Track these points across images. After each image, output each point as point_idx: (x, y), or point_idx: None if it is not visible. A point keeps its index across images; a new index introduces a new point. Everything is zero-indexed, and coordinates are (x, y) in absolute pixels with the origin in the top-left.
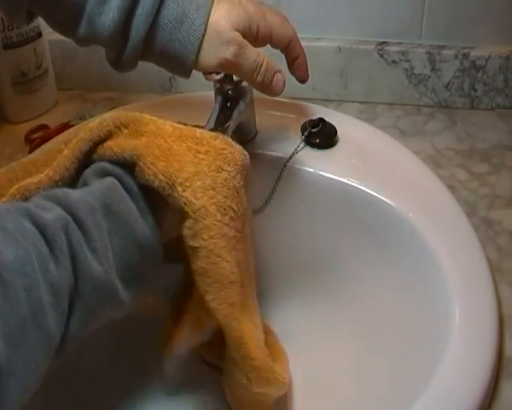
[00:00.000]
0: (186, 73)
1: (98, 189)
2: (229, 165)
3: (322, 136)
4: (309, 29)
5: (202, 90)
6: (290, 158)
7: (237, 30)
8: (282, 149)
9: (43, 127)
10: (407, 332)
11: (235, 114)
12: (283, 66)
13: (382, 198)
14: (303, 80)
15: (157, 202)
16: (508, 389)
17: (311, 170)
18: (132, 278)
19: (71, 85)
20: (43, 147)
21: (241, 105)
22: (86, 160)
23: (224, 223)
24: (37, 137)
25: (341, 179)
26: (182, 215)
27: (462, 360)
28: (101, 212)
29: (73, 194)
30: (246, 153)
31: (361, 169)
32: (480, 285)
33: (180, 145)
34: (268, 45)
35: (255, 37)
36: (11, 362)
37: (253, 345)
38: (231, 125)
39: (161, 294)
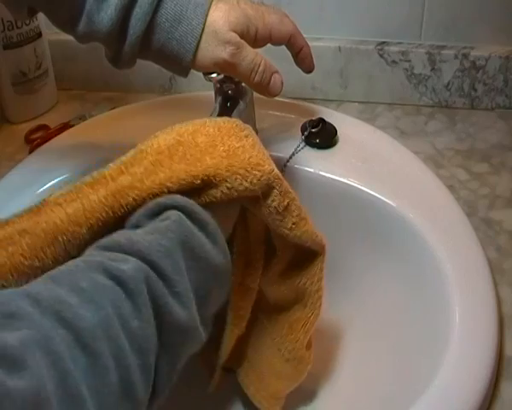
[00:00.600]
0: (184, 72)
1: (166, 226)
2: (246, 130)
3: (322, 136)
4: (309, 29)
5: (202, 90)
6: (290, 158)
7: (235, 31)
8: (282, 149)
9: (43, 127)
10: (407, 332)
11: (235, 114)
12: (282, 65)
13: (382, 198)
14: (309, 71)
15: (216, 217)
16: (508, 389)
17: (311, 170)
18: (209, 311)
19: (71, 85)
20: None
21: (241, 105)
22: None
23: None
24: (37, 137)
25: (341, 179)
26: (264, 195)
27: (462, 360)
28: (177, 252)
29: (139, 237)
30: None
31: (361, 169)
32: (480, 285)
33: (222, 140)
34: (268, 45)
35: (254, 38)
36: None
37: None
38: None
39: None
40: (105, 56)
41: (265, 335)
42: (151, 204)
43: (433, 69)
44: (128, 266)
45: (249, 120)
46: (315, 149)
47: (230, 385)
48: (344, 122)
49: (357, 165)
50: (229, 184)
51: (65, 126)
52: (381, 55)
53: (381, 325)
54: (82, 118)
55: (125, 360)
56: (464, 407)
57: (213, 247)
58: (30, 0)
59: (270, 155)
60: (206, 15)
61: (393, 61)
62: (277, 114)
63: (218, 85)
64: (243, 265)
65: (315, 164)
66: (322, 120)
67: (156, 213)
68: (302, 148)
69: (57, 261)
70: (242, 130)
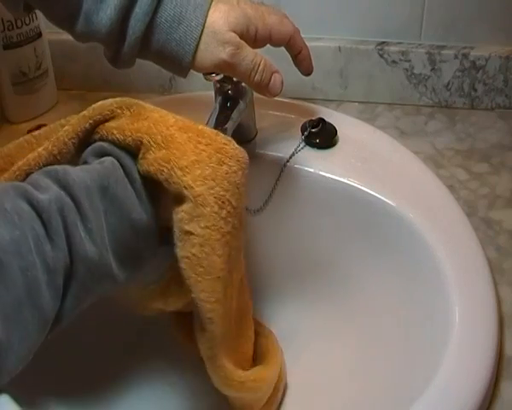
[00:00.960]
0: (183, 73)
1: (96, 169)
2: (230, 159)
3: (322, 136)
4: (309, 29)
5: (202, 90)
6: (290, 158)
7: (234, 31)
8: (282, 149)
9: (43, 127)
10: (407, 332)
11: (235, 114)
12: (282, 66)
13: (382, 198)
14: (307, 73)
15: (155, 189)
16: (508, 390)
17: (311, 170)
18: (128, 258)
19: (71, 85)
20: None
21: (241, 105)
22: (87, 138)
23: (221, 216)
24: None
25: (341, 179)
26: (178, 202)
27: (462, 360)
28: (98, 193)
29: (72, 172)
30: (246, 153)
31: (361, 169)
32: (480, 285)
33: (181, 135)
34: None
35: (254, 39)
36: (9, 339)
37: (225, 347)
38: (231, 125)
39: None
40: (104, 56)
41: None
42: (97, 146)
43: (433, 69)
44: (46, 195)
45: (249, 119)
46: (315, 149)
47: None
48: (344, 122)
49: (357, 165)
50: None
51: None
52: (381, 55)
53: (380, 325)
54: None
55: (34, 274)
56: (464, 407)
57: (139, 202)
58: None
59: (271, 155)
60: (206, 16)
61: (393, 61)
62: (277, 114)
63: (218, 85)
64: None
65: (315, 164)
66: (322, 120)
67: (100, 154)
68: (302, 148)
69: None
70: (228, 153)
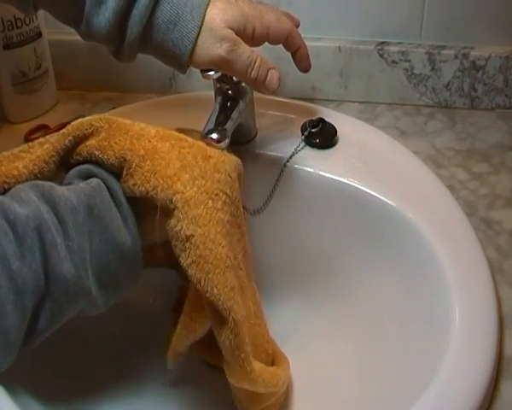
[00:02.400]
0: (182, 69)
1: (83, 189)
2: (215, 151)
3: (322, 136)
4: (309, 29)
5: (202, 90)
6: (290, 158)
7: (231, 28)
8: (282, 149)
9: (43, 127)
10: (407, 332)
11: (235, 114)
12: (282, 66)
13: (382, 198)
14: (306, 70)
15: (142, 208)
16: (508, 389)
17: (311, 170)
18: (109, 282)
19: (71, 85)
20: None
21: (241, 105)
22: (68, 156)
23: (216, 208)
24: (37, 137)
25: (341, 179)
26: (168, 214)
27: (462, 360)
28: (83, 213)
29: (59, 189)
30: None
31: (361, 169)
32: (480, 285)
33: (164, 144)
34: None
35: (251, 37)
36: None
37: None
38: (231, 125)
39: (162, 295)
40: (102, 51)
41: None
42: (83, 168)
43: (433, 69)
44: (25, 210)
45: (249, 119)
46: (315, 149)
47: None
48: (344, 122)
49: (357, 165)
50: (136, 178)
51: (65, 126)
52: (381, 55)
53: (380, 325)
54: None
55: None
56: (464, 407)
57: (123, 226)
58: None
59: (271, 155)
60: (203, 17)
61: (393, 61)
62: (277, 114)
63: (218, 85)
64: None
65: (315, 164)
66: (322, 120)
67: (86, 176)
68: (302, 148)
69: None
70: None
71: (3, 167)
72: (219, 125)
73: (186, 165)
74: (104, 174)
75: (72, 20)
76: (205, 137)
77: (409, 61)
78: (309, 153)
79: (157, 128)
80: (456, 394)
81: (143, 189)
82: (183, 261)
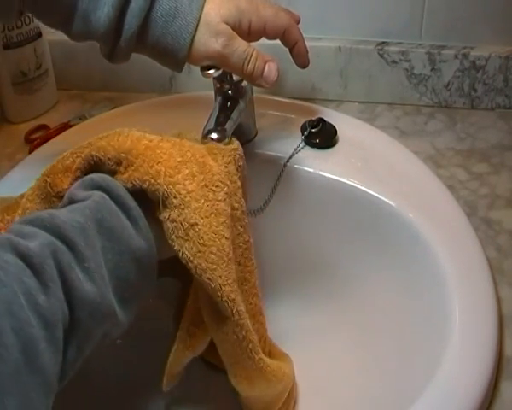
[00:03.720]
0: (179, 67)
1: (87, 205)
2: (216, 148)
3: (322, 136)
4: (309, 29)
5: (202, 90)
6: (290, 158)
7: (227, 23)
8: (282, 149)
9: (43, 127)
10: (407, 332)
11: (235, 114)
12: (282, 65)
13: (382, 198)
14: (303, 66)
15: (151, 210)
16: (508, 389)
17: (311, 170)
18: (129, 294)
19: (71, 85)
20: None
21: (241, 105)
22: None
23: (218, 200)
24: (37, 137)
25: (341, 179)
26: (171, 206)
27: (462, 360)
28: (92, 229)
29: (60, 214)
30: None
31: (361, 169)
32: (480, 285)
33: (165, 144)
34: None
35: (247, 31)
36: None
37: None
38: (231, 124)
39: (164, 308)
40: (100, 52)
41: None
42: (86, 179)
43: (433, 69)
44: (35, 242)
45: (249, 119)
46: (315, 149)
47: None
48: (344, 122)
49: (357, 165)
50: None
51: (65, 126)
52: (381, 55)
53: (380, 325)
54: (82, 118)
55: (29, 333)
56: (464, 407)
57: (135, 232)
58: (20, 4)
59: (271, 155)
60: (201, 10)
61: (393, 61)
62: (277, 114)
63: (218, 85)
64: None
65: (315, 164)
66: (322, 120)
67: (88, 187)
68: (302, 148)
69: None
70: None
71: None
72: (219, 125)
73: (186, 160)
74: (108, 181)
75: (61, 21)
76: (204, 137)
77: (409, 61)
78: (309, 153)
79: (157, 133)
80: (456, 394)
81: (145, 178)
82: (186, 252)
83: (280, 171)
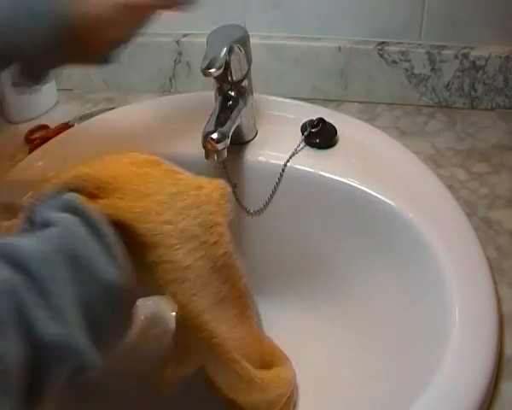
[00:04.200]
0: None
1: (55, 234)
2: (210, 183)
3: (322, 136)
4: (309, 29)
5: (202, 90)
6: (290, 158)
7: None
8: (282, 149)
9: (43, 127)
10: (407, 332)
11: (235, 114)
12: (282, 65)
13: (382, 198)
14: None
15: (129, 237)
16: (508, 389)
17: (311, 170)
18: (101, 330)
19: (71, 85)
20: None
21: (241, 105)
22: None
23: (210, 242)
24: (37, 137)
25: (341, 179)
26: (158, 244)
27: (462, 360)
28: (60, 261)
29: (25, 243)
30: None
31: (361, 169)
32: (480, 285)
33: (156, 170)
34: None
35: None
36: None
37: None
38: (231, 125)
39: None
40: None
41: None
42: (60, 199)
43: (433, 69)
44: None
45: (249, 119)
46: (315, 149)
47: None
48: (344, 122)
49: (357, 165)
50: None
51: (65, 126)
52: (381, 55)
53: (380, 325)
54: (82, 118)
55: None
56: (464, 407)
57: (109, 260)
58: None
59: (271, 155)
60: None
61: (393, 61)
62: (277, 114)
63: (218, 85)
64: None
65: (315, 164)
66: (322, 120)
67: (62, 207)
68: (302, 148)
69: None
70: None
71: None
72: (219, 125)
73: (180, 192)
74: (84, 204)
75: None
76: (205, 137)
77: (409, 61)
78: (309, 153)
79: (147, 155)
80: (456, 393)
81: (129, 212)
82: (177, 287)
83: (280, 171)
